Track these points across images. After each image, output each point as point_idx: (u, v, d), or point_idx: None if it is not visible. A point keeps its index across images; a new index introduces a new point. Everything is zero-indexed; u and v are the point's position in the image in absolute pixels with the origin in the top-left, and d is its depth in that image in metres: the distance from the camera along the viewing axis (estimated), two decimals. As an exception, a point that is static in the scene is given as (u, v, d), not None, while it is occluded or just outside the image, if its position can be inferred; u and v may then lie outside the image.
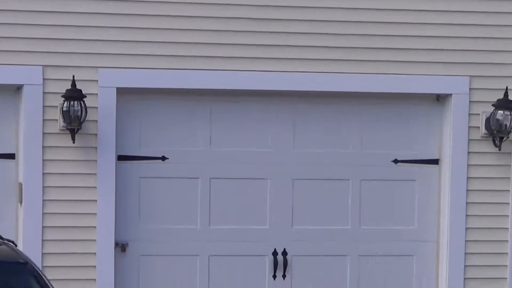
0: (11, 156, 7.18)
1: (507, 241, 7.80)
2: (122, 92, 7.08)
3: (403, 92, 7.50)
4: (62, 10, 7.03)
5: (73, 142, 6.92)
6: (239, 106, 7.46)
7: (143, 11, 7.13)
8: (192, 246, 7.45)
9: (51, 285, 4.68)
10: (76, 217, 7.27)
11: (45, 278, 4.69)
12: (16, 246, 5.29)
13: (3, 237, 5.29)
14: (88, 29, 7.05)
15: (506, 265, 7.77)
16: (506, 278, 7.78)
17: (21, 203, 7.10)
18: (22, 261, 4.72)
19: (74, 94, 6.68)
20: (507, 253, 7.80)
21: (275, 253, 7.41)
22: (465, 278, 7.77)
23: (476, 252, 7.85)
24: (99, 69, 6.97)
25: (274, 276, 7.42)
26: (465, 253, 7.71)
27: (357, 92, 7.41)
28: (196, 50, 7.29)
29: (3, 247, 5.03)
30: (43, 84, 6.98)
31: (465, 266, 7.76)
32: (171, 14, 7.20)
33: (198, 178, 7.43)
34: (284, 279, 7.42)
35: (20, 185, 7.11)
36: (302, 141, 7.56)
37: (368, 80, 7.39)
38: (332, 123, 7.58)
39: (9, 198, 7.26)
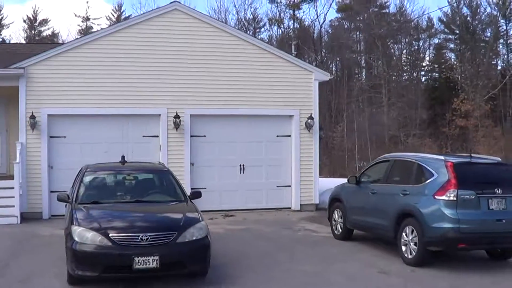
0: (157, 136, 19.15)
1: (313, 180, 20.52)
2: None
3: (278, 114, 20.26)
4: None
5: (176, 131, 19.05)
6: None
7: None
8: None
9: (178, 181, 12.28)
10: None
11: (176, 177, 12.29)
12: (163, 164, 15.01)
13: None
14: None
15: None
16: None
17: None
18: (166, 169, 12.84)
19: (176, 117, 18.93)
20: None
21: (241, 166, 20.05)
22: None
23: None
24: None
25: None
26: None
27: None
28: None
29: (158, 164, 13.55)
30: (167, 113, 19.13)
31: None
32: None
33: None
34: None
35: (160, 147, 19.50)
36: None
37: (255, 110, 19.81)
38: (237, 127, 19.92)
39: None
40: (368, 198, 13.76)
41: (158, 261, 9.47)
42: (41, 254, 12.94)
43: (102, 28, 22.19)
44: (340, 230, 14.93)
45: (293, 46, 46.18)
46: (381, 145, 49.91)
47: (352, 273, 11.56)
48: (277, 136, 20.45)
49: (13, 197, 17.40)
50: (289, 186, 20.51)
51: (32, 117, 18.06)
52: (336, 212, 15.16)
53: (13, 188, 17.45)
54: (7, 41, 66.48)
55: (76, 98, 18.65)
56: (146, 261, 9.44)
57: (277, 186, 20.40)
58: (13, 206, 17.39)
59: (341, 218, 14.88)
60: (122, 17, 73.04)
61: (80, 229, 9.80)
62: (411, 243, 12.03)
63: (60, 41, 57.98)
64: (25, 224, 17.15)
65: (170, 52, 19.34)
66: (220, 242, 13.35)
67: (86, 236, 9.64)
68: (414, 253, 11.97)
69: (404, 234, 12.21)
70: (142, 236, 9.57)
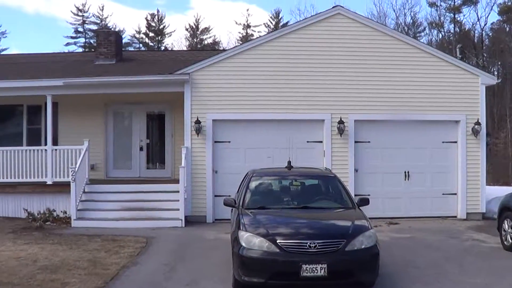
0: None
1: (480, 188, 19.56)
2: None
3: (444, 120, 19.40)
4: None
5: (340, 136, 19.76)
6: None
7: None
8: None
9: (345, 187, 11.98)
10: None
11: (343, 183, 12.11)
12: (330, 170, 14.06)
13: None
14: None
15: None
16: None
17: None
18: (332, 175, 12.51)
19: (341, 122, 19.56)
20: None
21: (406, 172, 19.82)
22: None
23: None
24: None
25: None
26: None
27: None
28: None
29: (325, 170, 13.81)
30: (331, 119, 18.95)
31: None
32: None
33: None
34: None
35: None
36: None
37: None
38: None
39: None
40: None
41: (325, 269, 9.16)
42: (206, 258, 12.97)
43: (261, 35, 22.23)
44: (510, 241, 14.03)
45: (457, 50, 44.70)
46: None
47: (528, 288, 10.74)
48: (443, 142, 19.79)
49: (178, 200, 17.82)
50: (455, 194, 19.72)
51: (197, 122, 18.42)
52: (506, 222, 14.27)
53: (178, 191, 17.86)
54: (170, 49, 68.92)
55: (239, 103, 18.94)
56: (314, 269, 9.15)
57: (443, 194, 19.69)
58: (178, 210, 17.80)
59: (511, 228, 13.99)
60: (280, 24, 73.95)
61: (247, 234, 9.67)
62: None
63: (221, 49, 59.21)
64: (189, 228, 17.44)
65: (332, 57, 19.20)
66: (385, 250, 12.84)
67: (253, 242, 9.50)
68: None
69: None
70: (310, 243, 9.30)
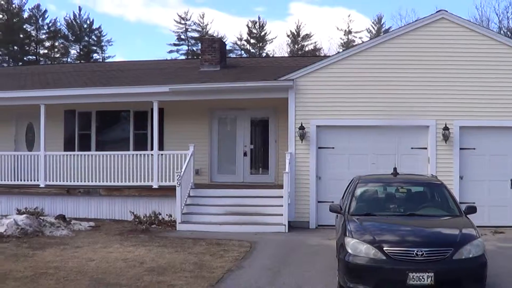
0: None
1: None
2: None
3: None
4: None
5: (445, 143, 18.94)
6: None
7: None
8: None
9: (452, 195, 11.81)
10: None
11: (450, 191, 11.89)
12: (436, 177, 13.87)
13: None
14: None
15: None
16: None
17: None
18: (439, 182, 12.30)
19: (445, 129, 19.17)
20: None
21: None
22: None
23: None
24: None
25: None
26: None
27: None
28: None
29: (431, 177, 13.78)
30: (435, 125, 18.73)
31: None
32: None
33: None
34: None
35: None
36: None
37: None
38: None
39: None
40: None
41: (432, 278, 9.05)
42: (310, 263, 13.02)
43: (364, 41, 22.01)
44: None
45: None
46: None
47: None
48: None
49: (282, 206, 17.95)
50: None
51: (302, 127, 18.55)
52: None
53: (281, 197, 18.02)
54: (271, 55, 69.40)
55: (342, 109, 18.95)
56: (421, 277, 9.07)
57: (552, 203, 18.85)
58: (281, 215, 17.92)
59: None
60: (382, 29, 73.19)
61: (353, 241, 9.70)
62: None
63: (322, 55, 59.20)
64: (292, 233, 17.54)
65: (436, 62, 18.85)
66: (490, 260, 12.48)
67: (359, 249, 9.52)
68: None
69: None
70: (417, 251, 9.23)
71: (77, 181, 20.76)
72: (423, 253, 9.21)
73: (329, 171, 19.00)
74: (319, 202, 18.68)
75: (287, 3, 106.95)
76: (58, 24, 76.54)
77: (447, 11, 19.08)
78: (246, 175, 22.63)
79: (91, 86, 21.99)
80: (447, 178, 17.84)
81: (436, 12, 19.23)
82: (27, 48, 74.96)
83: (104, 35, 78.88)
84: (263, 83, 19.50)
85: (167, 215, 19.01)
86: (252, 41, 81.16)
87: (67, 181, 20.91)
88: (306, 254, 14.29)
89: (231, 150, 22.84)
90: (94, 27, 78.58)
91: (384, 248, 9.35)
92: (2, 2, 71.30)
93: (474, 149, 18.99)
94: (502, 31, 58.17)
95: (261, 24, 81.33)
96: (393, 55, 19.02)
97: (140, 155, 20.62)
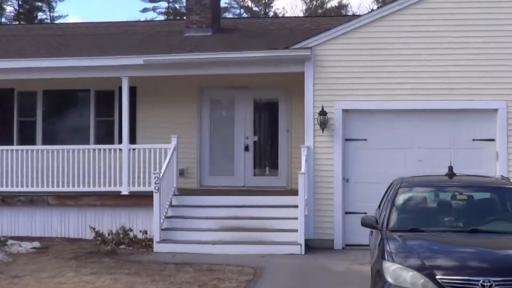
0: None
1: None
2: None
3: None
4: None
5: None
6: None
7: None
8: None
9: None
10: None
11: None
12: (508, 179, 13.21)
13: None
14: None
15: None
16: None
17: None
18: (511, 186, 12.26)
19: None
20: None
21: None
22: None
23: None
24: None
25: None
26: None
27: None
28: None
29: (501, 179, 12.98)
30: (506, 108, 18.21)
31: None
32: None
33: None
34: None
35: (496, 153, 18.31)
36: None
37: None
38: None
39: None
40: None
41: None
42: (336, 298, 12.93)
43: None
44: None
45: None
46: None
47: None
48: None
49: (297, 218, 17.75)
50: None
51: (322, 113, 18.41)
52: None
53: (296, 206, 17.82)
54: (281, 15, 69.20)
55: (378, 87, 18.72)
56: (490, 314, 8.93)
57: None
58: (296, 231, 17.74)
59: None
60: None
61: (394, 266, 9.53)
62: None
63: (350, 14, 59.05)
64: (311, 255, 17.40)
65: (510, 20, 18.54)
66: None
67: (403, 277, 9.34)
68: None
69: None
70: (483, 281, 9.04)
71: (16, 187, 20.54)
72: (492, 284, 8.99)
73: (361, 171, 18.87)
74: (346, 213, 18.59)
75: None
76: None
77: None
78: (248, 177, 22.58)
79: (36, 56, 21.52)
80: (524, 179, 17.66)
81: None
82: None
83: (54, -14, 77.74)
84: (271, 53, 19.40)
85: (140, 231, 19.01)
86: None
87: (1, 186, 20.69)
88: (330, 283, 14.21)
89: (228, 143, 22.82)
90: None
91: (437, 277, 9.14)
92: None
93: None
94: None
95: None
96: (450, 12, 18.64)
97: (104, 150, 20.39)
